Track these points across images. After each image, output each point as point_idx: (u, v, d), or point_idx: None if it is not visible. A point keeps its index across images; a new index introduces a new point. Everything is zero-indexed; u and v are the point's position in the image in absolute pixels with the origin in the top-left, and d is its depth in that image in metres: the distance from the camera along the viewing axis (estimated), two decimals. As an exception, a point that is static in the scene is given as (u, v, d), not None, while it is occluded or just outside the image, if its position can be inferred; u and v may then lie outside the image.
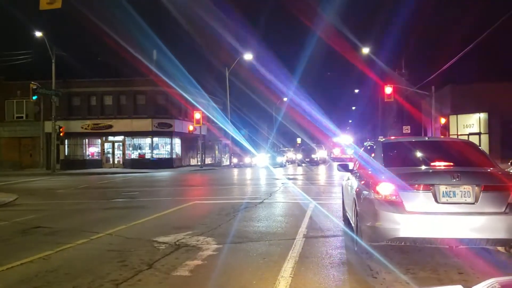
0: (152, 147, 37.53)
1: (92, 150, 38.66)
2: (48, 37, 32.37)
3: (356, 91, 70.14)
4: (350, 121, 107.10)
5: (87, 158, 38.05)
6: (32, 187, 20.03)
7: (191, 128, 38.03)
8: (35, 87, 29.59)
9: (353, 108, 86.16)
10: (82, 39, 36.24)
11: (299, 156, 50.99)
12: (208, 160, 46.76)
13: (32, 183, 22.62)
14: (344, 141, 56.26)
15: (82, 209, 11.72)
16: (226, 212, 10.28)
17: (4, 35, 37.11)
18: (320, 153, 52.61)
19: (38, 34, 32.30)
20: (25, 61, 34.46)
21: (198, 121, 36.19)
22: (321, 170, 34.15)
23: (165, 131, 37.29)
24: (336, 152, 54.91)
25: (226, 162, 46.23)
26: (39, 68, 34.14)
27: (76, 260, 6.03)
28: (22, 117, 38.22)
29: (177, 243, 6.87)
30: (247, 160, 43.20)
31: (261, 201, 12.45)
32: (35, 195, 15.98)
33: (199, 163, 40.35)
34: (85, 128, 37.08)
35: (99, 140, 38.18)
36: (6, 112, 38.28)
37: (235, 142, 43.82)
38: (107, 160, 38.08)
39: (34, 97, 30.04)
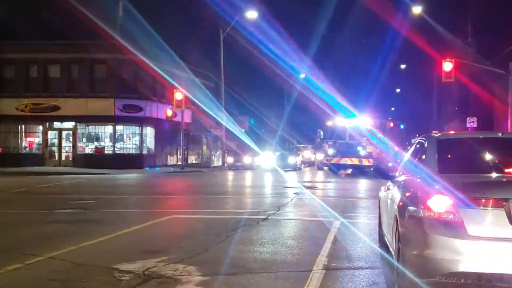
0: (115, 138, 37.64)
1: (31, 140, 38.78)
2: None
3: (403, 66, 70.07)
4: (393, 108, 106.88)
5: (24, 151, 38.24)
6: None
7: (169, 113, 38.05)
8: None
9: (398, 90, 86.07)
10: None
11: (320, 155, 50.94)
12: (192, 159, 46.81)
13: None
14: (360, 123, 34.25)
15: (14, 222, 11.75)
16: (216, 231, 10.31)
17: None
18: None
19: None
20: None
21: (179, 104, 36.20)
22: (351, 176, 34.11)
23: (133, 117, 37.37)
24: (331, 151, 34.21)
25: (218, 162, 46.30)
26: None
27: (4, 292, 6.07)
28: None
29: (146, 272, 6.89)
30: (246, 160, 43.17)
31: (265, 217, 12.48)
32: None
33: (179, 163, 40.42)
34: (21, 110, 37.19)
35: (41, 127, 38.33)
36: None
37: (231, 134, 43.82)
38: (52, 155, 38.25)
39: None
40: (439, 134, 7.32)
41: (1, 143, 38.03)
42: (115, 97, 36.72)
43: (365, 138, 33.01)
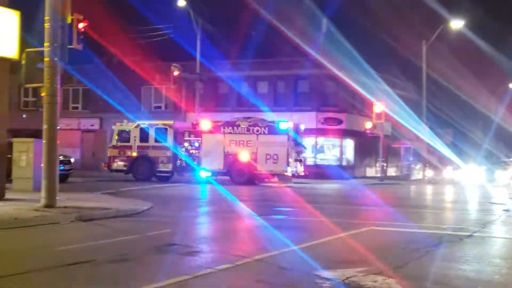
0: (316, 149, 38.26)
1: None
2: (190, 6, 34.74)
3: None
4: None
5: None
6: (166, 194, 22.23)
7: (368, 125, 37.61)
8: (177, 70, 32.20)
9: None
10: (227, 9, 38.60)
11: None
12: (391, 171, 45.86)
13: (167, 189, 25.04)
14: None
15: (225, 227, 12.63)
16: (416, 245, 9.98)
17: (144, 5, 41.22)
18: None
19: (181, 3, 34.72)
20: (165, 37, 37.57)
21: (379, 117, 35.69)
22: None
23: (333, 129, 37.73)
24: None
25: (417, 175, 44.84)
26: (175, 46, 36.90)
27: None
28: (160, 107, 42.07)
29: (346, 281, 6.88)
30: (447, 173, 41.38)
31: (469, 234, 11.79)
32: (171, 203, 17.75)
33: (378, 175, 39.87)
34: (234, 124, 39.48)
35: (248, 140, 40.37)
36: (142, 101, 42.00)
37: (431, 148, 42.29)
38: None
39: (176, 80, 32.37)
40: None
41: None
42: (317, 110, 37.45)
43: None
